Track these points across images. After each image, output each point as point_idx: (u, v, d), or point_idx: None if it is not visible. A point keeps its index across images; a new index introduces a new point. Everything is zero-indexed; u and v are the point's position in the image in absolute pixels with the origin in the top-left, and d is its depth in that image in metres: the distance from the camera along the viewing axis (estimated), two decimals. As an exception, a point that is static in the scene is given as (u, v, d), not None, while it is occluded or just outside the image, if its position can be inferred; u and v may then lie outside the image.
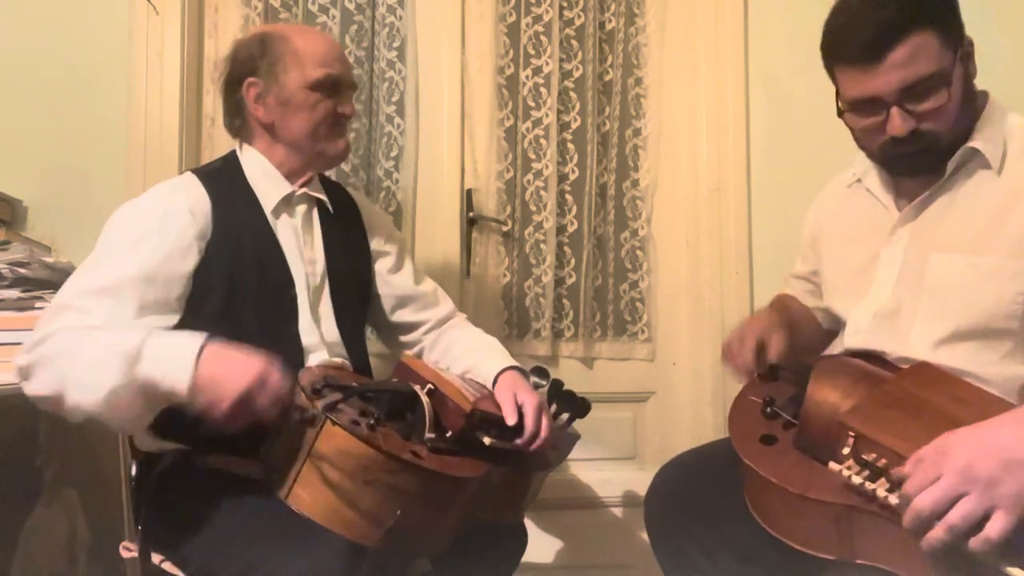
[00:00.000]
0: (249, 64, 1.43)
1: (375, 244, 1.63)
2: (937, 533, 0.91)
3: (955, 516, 0.91)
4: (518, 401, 1.40)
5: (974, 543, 0.90)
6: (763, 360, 1.36)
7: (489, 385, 1.48)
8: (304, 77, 1.41)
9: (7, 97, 1.98)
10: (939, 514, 0.92)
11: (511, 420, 1.37)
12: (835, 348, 1.41)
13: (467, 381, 1.48)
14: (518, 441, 1.37)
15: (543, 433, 1.39)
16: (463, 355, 1.57)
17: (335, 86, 1.44)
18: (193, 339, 1.15)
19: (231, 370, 1.12)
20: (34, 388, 1.19)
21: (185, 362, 1.12)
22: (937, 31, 1.17)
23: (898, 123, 1.20)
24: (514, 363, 1.52)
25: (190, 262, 1.32)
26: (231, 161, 1.48)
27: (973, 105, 1.25)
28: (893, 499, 0.99)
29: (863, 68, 1.20)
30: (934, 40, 1.17)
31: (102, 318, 1.22)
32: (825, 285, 1.49)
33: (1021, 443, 0.93)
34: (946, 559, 0.93)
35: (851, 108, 1.26)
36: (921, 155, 1.24)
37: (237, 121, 1.48)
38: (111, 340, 1.16)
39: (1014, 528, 0.90)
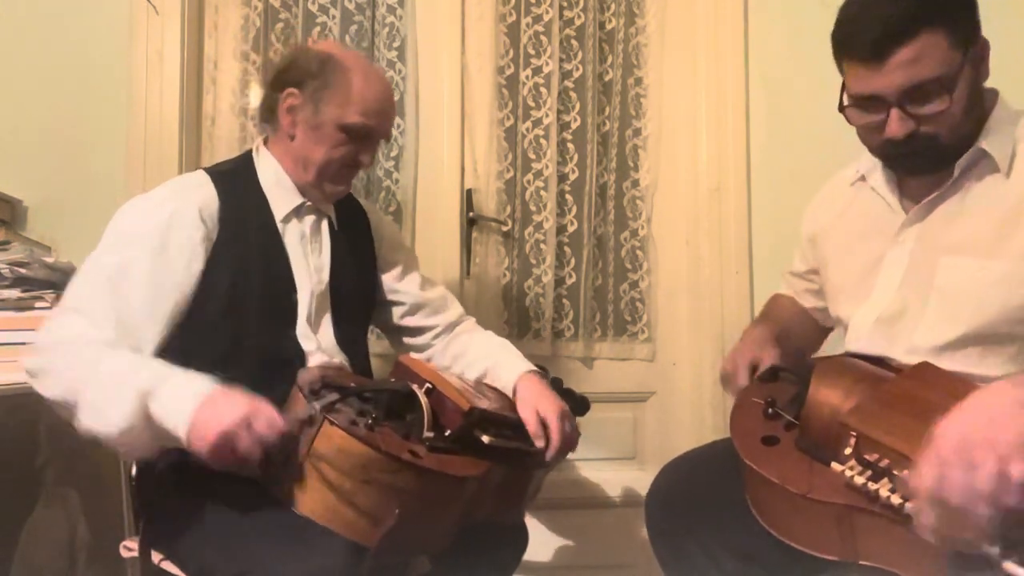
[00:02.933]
0: (299, 75, 1.42)
1: (383, 253, 1.63)
2: (982, 512, 0.87)
3: (982, 487, 0.86)
4: (540, 414, 1.41)
5: (1011, 499, 0.85)
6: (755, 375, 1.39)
7: (509, 392, 1.48)
8: (341, 116, 1.40)
9: (7, 97, 1.98)
10: (978, 498, 0.86)
11: (540, 443, 1.39)
12: (837, 349, 1.41)
13: (482, 387, 1.49)
14: (545, 451, 1.39)
15: (568, 443, 1.42)
16: (477, 360, 1.57)
17: (366, 136, 1.43)
18: (200, 386, 1.16)
19: (217, 411, 1.12)
20: (44, 390, 1.20)
21: (187, 409, 1.13)
22: (948, 32, 1.13)
23: (895, 126, 1.18)
24: (531, 366, 1.52)
25: (196, 264, 1.32)
26: (246, 164, 1.48)
27: (980, 107, 1.22)
28: (896, 499, 0.98)
29: (868, 65, 1.17)
30: (943, 41, 1.13)
31: (110, 325, 1.23)
32: (828, 288, 1.47)
33: (996, 400, 0.92)
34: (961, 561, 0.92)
35: (854, 103, 1.23)
36: (918, 157, 1.22)
37: (266, 117, 1.48)
38: (124, 371, 1.17)
39: None
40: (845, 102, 1.25)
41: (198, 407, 1.12)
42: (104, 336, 1.22)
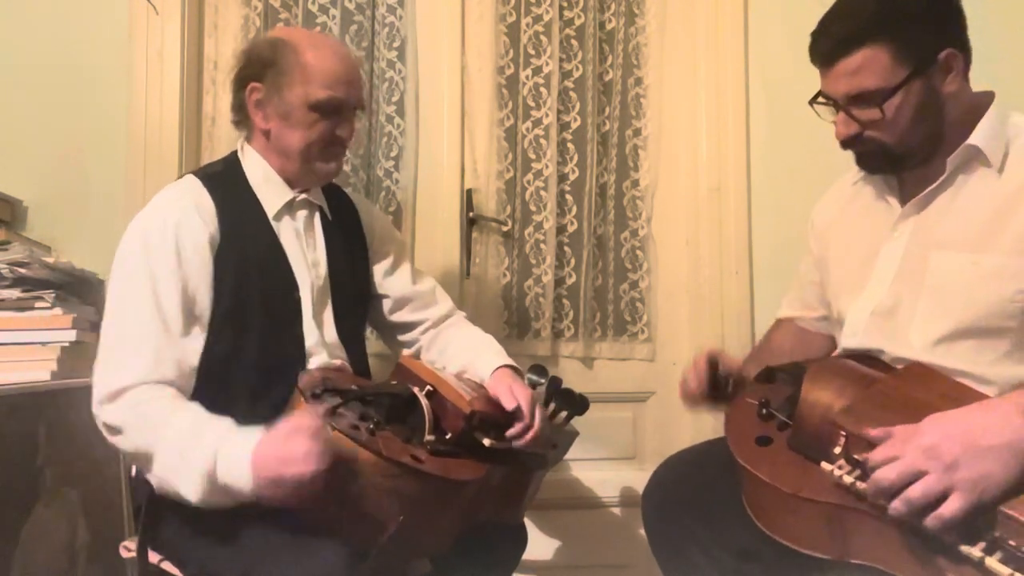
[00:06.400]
0: (256, 68, 1.42)
1: (374, 245, 1.63)
2: (895, 504, 0.96)
3: (914, 492, 0.95)
4: (513, 394, 1.41)
5: (928, 520, 0.95)
6: (716, 376, 1.44)
7: (484, 383, 1.48)
8: (306, 95, 1.38)
9: (7, 97, 1.99)
10: (900, 488, 0.96)
11: (510, 406, 1.39)
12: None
13: (463, 381, 1.48)
14: (509, 432, 1.38)
15: (535, 426, 1.40)
16: (458, 354, 1.57)
17: (337, 109, 1.41)
18: (247, 443, 1.13)
19: (287, 472, 1.09)
20: (124, 447, 1.25)
21: (245, 476, 1.11)
22: (892, 48, 1.21)
23: (839, 127, 1.30)
24: (509, 361, 1.52)
25: (208, 265, 1.33)
26: (232, 164, 1.47)
27: (939, 117, 1.25)
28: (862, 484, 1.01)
29: (821, 69, 1.30)
30: (885, 57, 1.21)
31: (170, 362, 1.25)
32: (829, 284, 1.48)
33: (987, 431, 0.97)
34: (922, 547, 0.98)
35: (818, 100, 1.32)
36: (869, 157, 1.32)
37: (239, 117, 1.48)
38: (186, 443, 1.17)
39: (968, 511, 0.94)
40: (817, 98, 1.33)
41: (254, 472, 1.11)
42: (164, 375, 1.24)
